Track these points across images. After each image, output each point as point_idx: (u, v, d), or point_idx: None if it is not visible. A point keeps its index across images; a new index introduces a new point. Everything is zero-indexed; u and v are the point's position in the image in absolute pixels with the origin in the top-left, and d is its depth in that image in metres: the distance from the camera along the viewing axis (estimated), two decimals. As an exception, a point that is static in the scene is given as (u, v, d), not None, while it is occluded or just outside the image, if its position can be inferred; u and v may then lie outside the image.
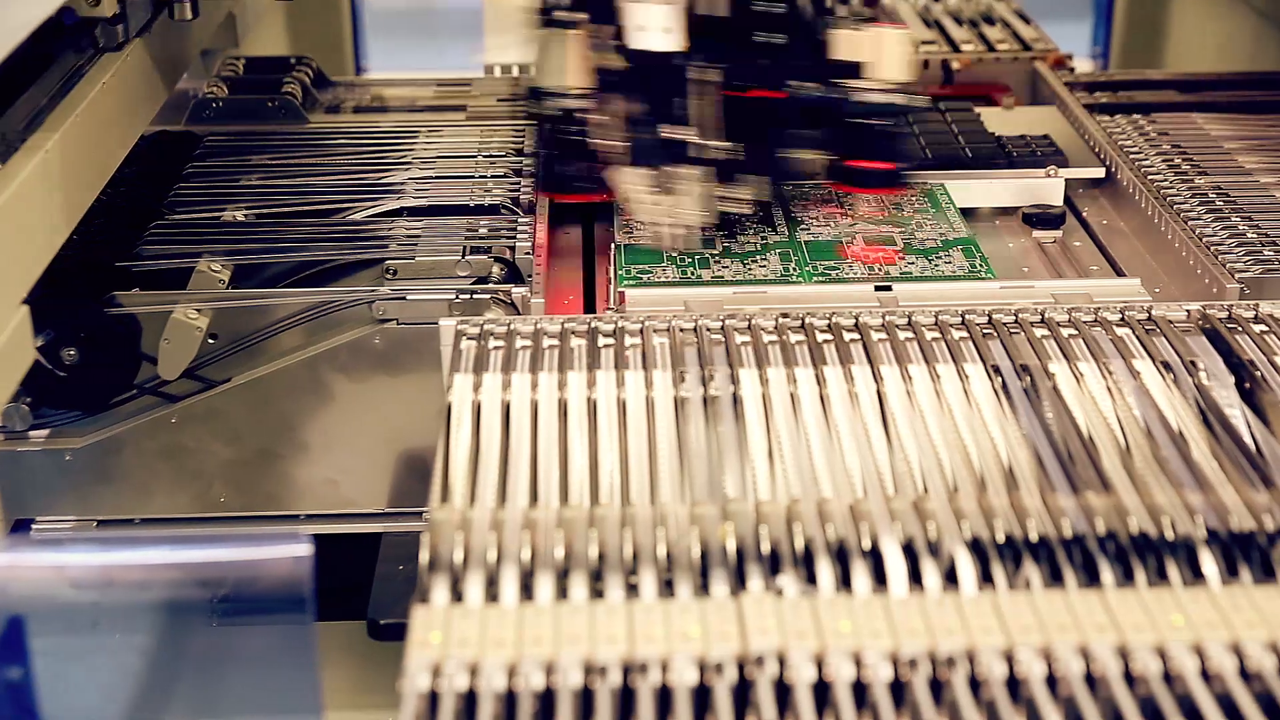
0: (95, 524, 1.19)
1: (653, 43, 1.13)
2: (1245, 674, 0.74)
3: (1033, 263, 1.32)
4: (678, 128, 1.17)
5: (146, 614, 1.12)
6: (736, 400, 0.99)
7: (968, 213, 1.40)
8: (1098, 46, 2.50)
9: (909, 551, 0.83)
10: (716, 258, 1.23)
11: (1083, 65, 2.53)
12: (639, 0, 1.13)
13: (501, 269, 1.22)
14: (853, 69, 1.23)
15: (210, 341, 1.16)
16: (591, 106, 1.21)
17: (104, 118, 1.18)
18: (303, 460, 1.19)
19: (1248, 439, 0.94)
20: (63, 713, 1.07)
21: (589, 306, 1.26)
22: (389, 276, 1.21)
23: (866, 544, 0.83)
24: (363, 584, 1.15)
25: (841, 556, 0.83)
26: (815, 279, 1.20)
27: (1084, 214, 1.42)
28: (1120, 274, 1.30)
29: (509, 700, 0.73)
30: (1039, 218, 1.37)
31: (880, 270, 1.21)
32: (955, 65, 1.73)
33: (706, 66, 1.17)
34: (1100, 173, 1.43)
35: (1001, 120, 1.58)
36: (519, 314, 1.16)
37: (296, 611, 1.16)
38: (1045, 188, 1.40)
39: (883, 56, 1.23)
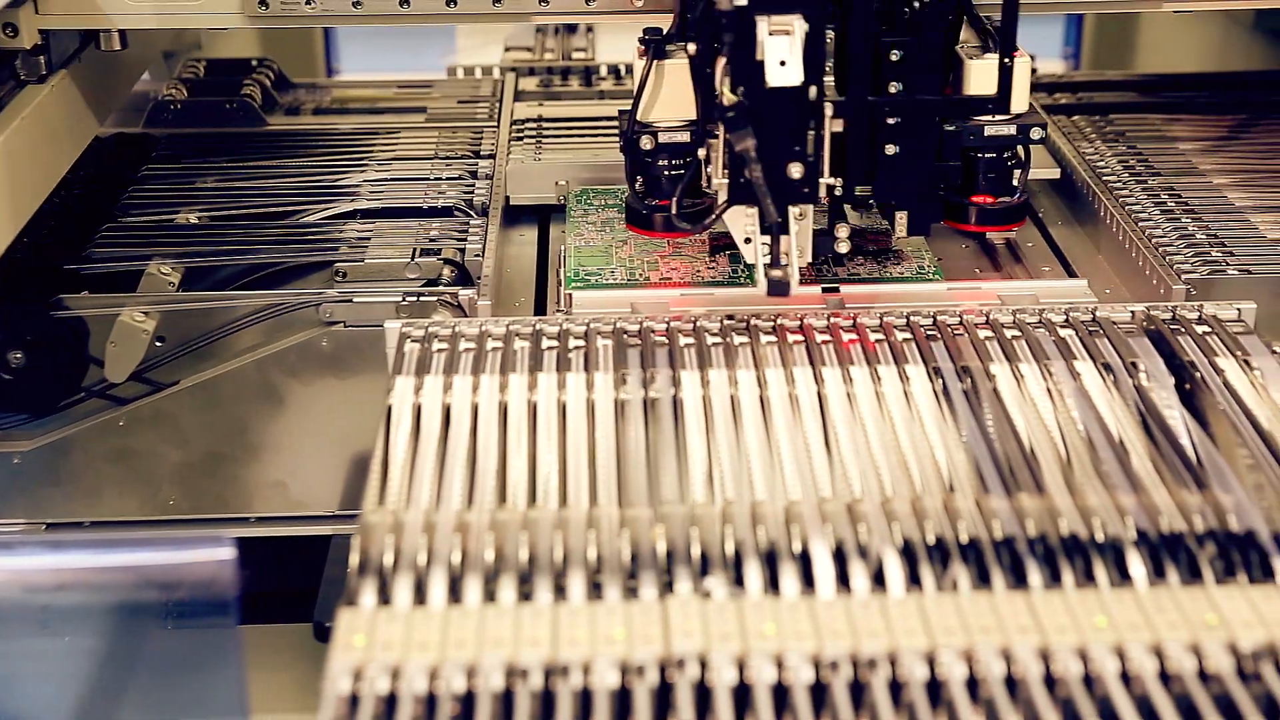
0: (44, 527, 1.19)
1: (776, 78, 1.04)
2: (1165, 676, 0.74)
3: (984, 264, 1.32)
4: (795, 164, 1.06)
5: (96, 616, 1.12)
6: (677, 403, 0.99)
7: (924, 214, 1.40)
8: (1069, 46, 2.50)
9: (841, 554, 0.83)
10: (666, 259, 1.24)
11: (1055, 65, 2.54)
12: (770, 35, 1.03)
13: (452, 271, 1.22)
14: (981, 102, 1.15)
15: (158, 344, 1.16)
16: (700, 142, 1.13)
17: (24, 151, 1.17)
18: (252, 463, 1.19)
19: (1184, 441, 0.94)
20: (11, 715, 1.07)
21: (540, 308, 1.26)
22: (339, 279, 1.21)
23: (797, 547, 0.84)
24: (314, 587, 1.15)
25: (772, 559, 0.83)
26: (764, 280, 1.20)
27: (1040, 215, 1.42)
28: (1072, 275, 1.30)
29: (430, 703, 0.73)
30: (993, 219, 1.36)
31: (829, 272, 1.22)
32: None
33: (830, 101, 1.10)
34: (1056, 173, 1.44)
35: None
36: (466, 316, 1.17)
37: (242, 613, 1.16)
38: (1001, 189, 1.39)
39: (1009, 86, 1.15)
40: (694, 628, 0.77)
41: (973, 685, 0.74)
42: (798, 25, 1.04)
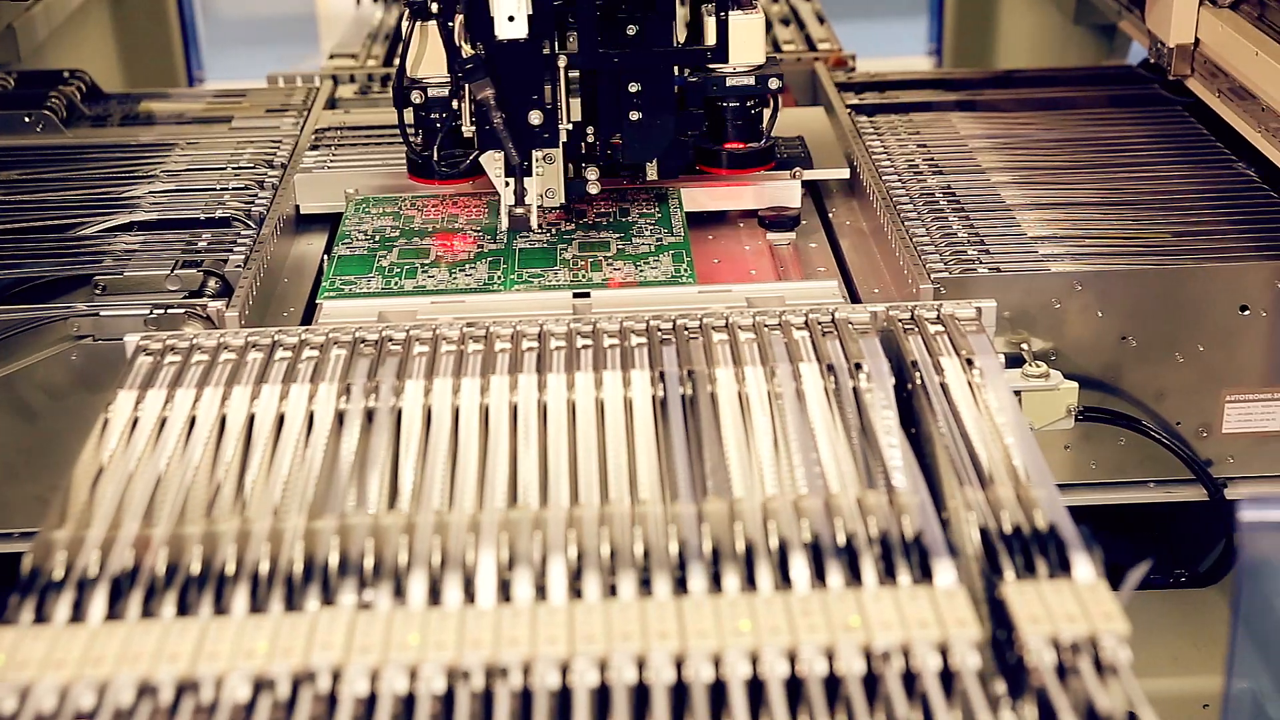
0: None
1: (503, 31, 1.16)
2: (794, 679, 0.74)
3: (763, 266, 1.33)
4: (535, 112, 1.21)
5: None
6: (398, 413, 0.99)
7: (716, 216, 1.41)
8: (933, 44, 2.51)
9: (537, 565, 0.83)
10: (425, 267, 1.23)
11: (921, 62, 2.56)
12: None
13: (216, 283, 1.22)
14: (711, 53, 1.30)
15: (-92, 361, 1.16)
16: (453, 94, 1.25)
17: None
18: (10, 478, 1.19)
19: (888, 442, 0.95)
20: None
21: (310, 318, 1.26)
22: (98, 293, 1.20)
23: (471, 557, 0.84)
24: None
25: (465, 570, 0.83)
26: (516, 287, 1.20)
27: (831, 215, 1.42)
28: (847, 276, 1.31)
29: (53, 722, 0.73)
30: (773, 221, 1.37)
31: (584, 277, 1.22)
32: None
33: (560, 53, 1.22)
34: (846, 174, 1.44)
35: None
36: (215, 328, 1.16)
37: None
38: (786, 190, 1.40)
39: (739, 40, 1.29)
40: (335, 640, 0.77)
41: (603, 693, 0.74)
42: None
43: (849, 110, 1.55)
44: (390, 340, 1.07)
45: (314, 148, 1.49)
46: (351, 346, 1.06)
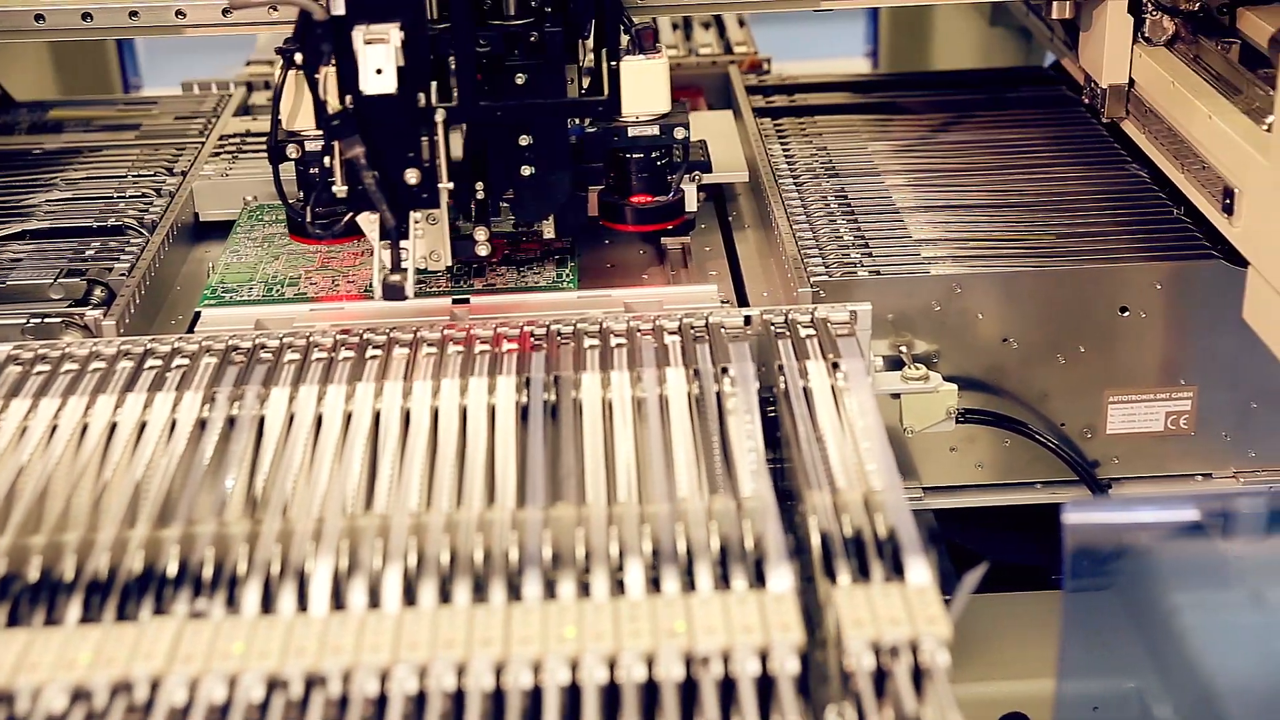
0: None
1: (370, 85, 1.05)
2: (613, 684, 0.75)
3: (656, 270, 1.33)
4: (411, 170, 1.09)
5: None
6: (260, 420, 0.99)
7: (614, 220, 1.41)
8: (869, 45, 2.52)
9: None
10: (309, 274, 1.23)
11: (859, 64, 2.56)
12: (366, 43, 1.04)
13: (102, 291, 1.22)
14: (611, 102, 1.17)
15: None
16: (325, 151, 1.11)
17: None
18: (-109, 489, 1.18)
19: (746, 446, 0.94)
20: None
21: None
22: (-20, 301, 1.20)
23: (311, 565, 0.84)
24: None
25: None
26: (397, 293, 1.20)
27: (731, 219, 1.43)
28: (738, 279, 1.31)
29: None
30: (668, 225, 1.37)
31: (466, 283, 1.22)
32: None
33: (437, 106, 1.09)
34: (745, 177, 1.44)
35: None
36: (94, 337, 1.16)
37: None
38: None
39: (634, 88, 1.18)
40: (159, 649, 0.77)
41: (421, 700, 0.74)
42: (394, 34, 1.05)
43: (755, 113, 1.55)
44: (263, 348, 1.07)
45: (216, 155, 1.48)
46: (223, 355, 1.06)
